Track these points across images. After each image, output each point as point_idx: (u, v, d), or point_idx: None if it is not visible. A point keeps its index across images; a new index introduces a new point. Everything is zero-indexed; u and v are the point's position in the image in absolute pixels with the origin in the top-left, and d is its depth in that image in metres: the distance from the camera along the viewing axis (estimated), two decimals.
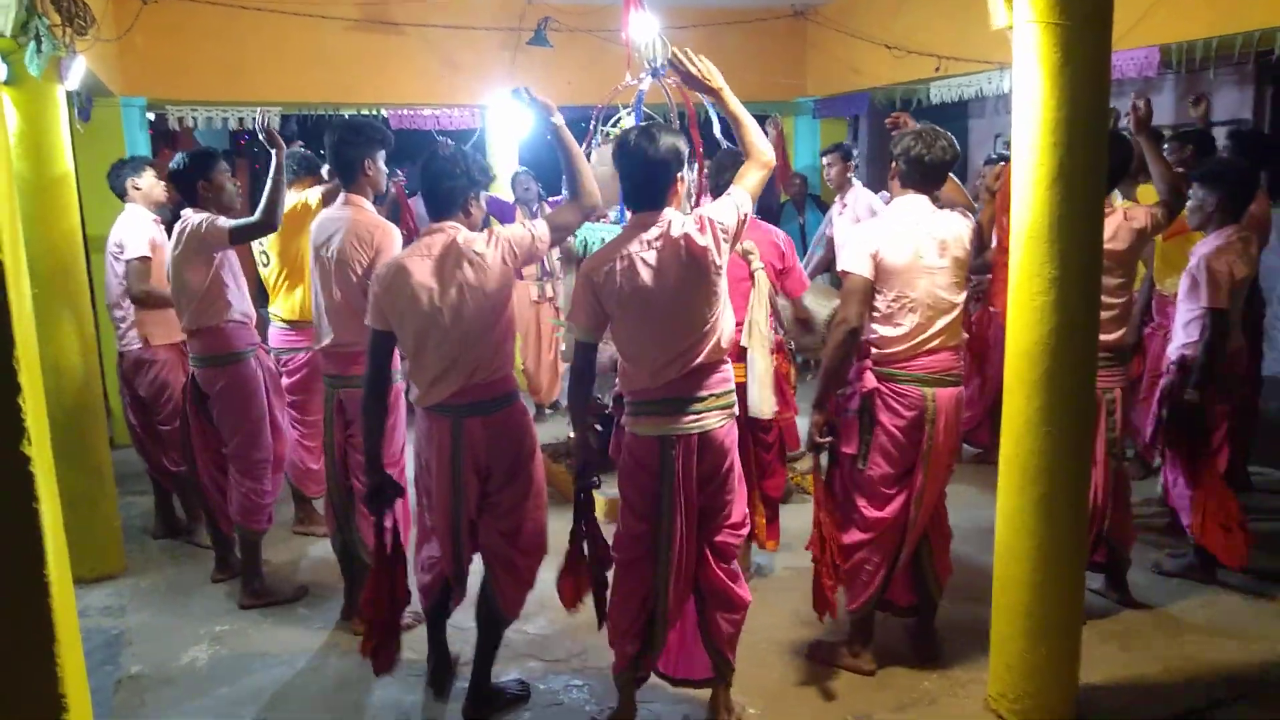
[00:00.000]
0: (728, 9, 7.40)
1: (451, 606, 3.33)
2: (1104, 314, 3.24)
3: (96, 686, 3.05)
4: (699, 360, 2.80)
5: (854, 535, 3.31)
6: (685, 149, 2.85)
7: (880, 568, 3.31)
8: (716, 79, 2.89)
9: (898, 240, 3.16)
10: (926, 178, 3.23)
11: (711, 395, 2.86)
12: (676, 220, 2.80)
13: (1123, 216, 3.62)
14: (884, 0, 7.20)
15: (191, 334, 4.05)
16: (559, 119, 2.99)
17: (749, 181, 2.87)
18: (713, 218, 2.77)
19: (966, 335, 3.36)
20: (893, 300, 3.18)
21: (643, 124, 2.94)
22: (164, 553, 4.73)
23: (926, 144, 3.18)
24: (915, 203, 3.22)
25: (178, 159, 4.12)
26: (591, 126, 4.83)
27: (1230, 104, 6.66)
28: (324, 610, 4.05)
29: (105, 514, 4.41)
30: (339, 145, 3.61)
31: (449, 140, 3.37)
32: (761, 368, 3.69)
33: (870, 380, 3.24)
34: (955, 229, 3.21)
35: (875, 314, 3.22)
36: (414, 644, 3.62)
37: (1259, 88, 6.52)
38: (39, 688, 1.80)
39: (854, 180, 6.21)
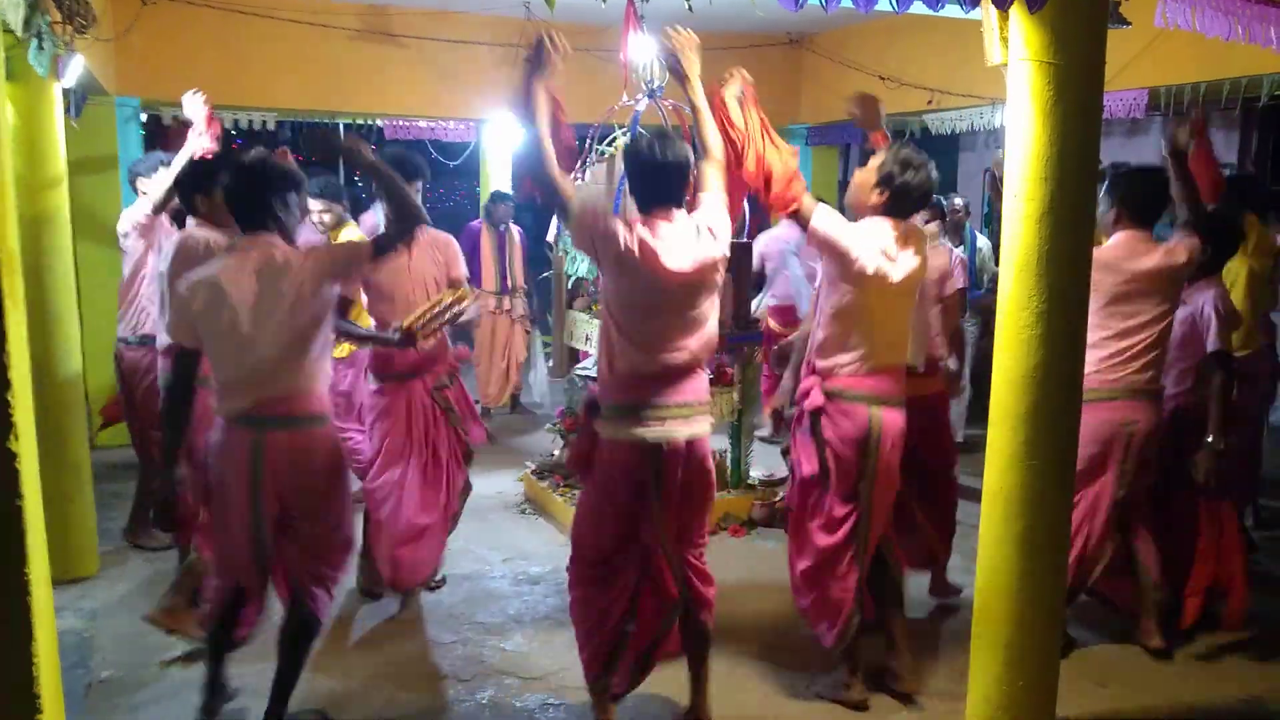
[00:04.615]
0: (724, 34, 7.46)
1: (239, 633, 3.17)
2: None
3: (67, 690, 2.97)
4: (693, 350, 2.88)
5: (806, 562, 3.29)
6: (692, 157, 2.96)
7: (846, 596, 3.22)
8: (690, 67, 3.02)
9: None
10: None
11: (698, 401, 2.92)
12: (690, 219, 2.91)
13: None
14: (879, 32, 7.28)
15: None
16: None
17: (713, 183, 3.02)
18: (714, 225, 2.92)
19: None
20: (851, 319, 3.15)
21: (657, 132, 3.04)
22: (138, 556, 4.66)
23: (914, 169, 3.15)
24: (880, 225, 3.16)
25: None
26: (587, 145, 4.85)
27: (1217, 148, 6.81)
28: None
29: (82, 514, 4.36)
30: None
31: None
32: None
33: (817, 397, 3.20)
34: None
35: (829, 332, 3.19)
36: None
37: (1244, 133, 6.67)
38: (14, 687, 1.78)
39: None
